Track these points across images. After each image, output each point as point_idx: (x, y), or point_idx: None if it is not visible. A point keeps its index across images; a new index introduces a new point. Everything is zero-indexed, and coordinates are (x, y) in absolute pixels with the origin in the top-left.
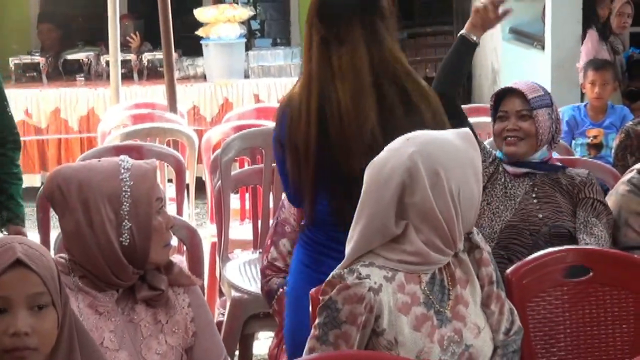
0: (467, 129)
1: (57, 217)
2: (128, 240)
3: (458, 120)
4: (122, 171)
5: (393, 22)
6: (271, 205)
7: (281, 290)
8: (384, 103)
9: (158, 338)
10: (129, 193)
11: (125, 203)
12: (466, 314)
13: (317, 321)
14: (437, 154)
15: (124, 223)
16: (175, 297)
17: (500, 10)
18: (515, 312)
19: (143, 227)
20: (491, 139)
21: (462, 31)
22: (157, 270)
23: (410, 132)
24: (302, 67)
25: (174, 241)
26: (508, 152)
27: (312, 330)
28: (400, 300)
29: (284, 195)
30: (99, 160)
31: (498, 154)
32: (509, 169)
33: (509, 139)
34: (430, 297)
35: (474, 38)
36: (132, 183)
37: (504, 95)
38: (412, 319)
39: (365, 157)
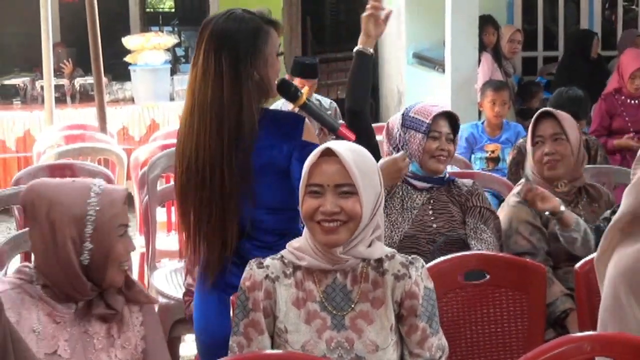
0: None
1: None
2: (88, 260)
3: (366, 137)
4: (92, 195)
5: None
6: None
7: None
8: None
9: (109, 352)
10: (94, 217)
11: (89, 226)
12: (365, 330)
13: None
14: None
15: (85, 244)
16: (130, 314)
17: (383, 14)
18: (447, 350)
19: (103, 250)
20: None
21: (357, 47)
22: (117, 289)
23: None
24: None
25: None
26: (437, 169)
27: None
28: (296, 295)
29: None
30: (74, 181)
31: (412, 166)
32: (417, 183)
33: (441, 157)
34: (325, 301)
35: (369, 50)
36: (98, 208)
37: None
38: (304, 312)
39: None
